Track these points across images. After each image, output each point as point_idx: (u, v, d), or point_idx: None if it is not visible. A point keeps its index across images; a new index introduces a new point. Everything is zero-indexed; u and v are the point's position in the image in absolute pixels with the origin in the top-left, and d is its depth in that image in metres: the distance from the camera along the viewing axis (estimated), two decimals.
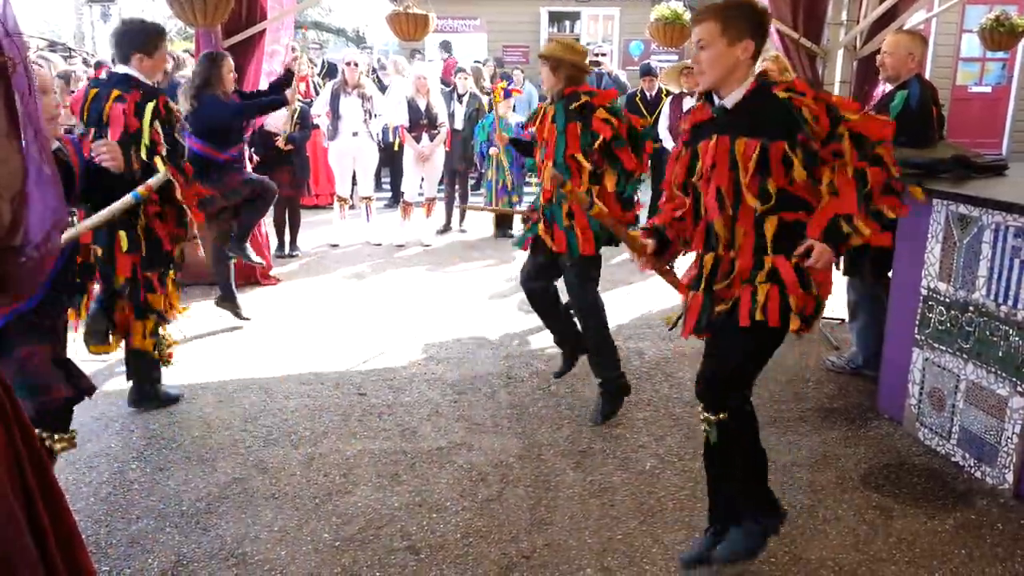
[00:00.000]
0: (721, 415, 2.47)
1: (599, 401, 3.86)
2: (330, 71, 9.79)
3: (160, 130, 3.79)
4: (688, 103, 6.90)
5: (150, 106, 3.75)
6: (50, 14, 21.96)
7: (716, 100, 2.45)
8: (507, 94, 7.54)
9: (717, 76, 2.37)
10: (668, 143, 7.43)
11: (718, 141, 2.40)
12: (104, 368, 4.44)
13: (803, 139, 2.31)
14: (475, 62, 10.52)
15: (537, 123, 3.81)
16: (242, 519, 3.00)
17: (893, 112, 3.86)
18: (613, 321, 5.35)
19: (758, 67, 2.49)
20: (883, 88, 4.57)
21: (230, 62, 4.92)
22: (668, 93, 7.62)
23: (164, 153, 3.78)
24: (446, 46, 12.70)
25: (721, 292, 2.50)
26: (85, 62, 8.87)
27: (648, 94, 8.06)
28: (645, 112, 7.88)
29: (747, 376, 2.53)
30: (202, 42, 5.50)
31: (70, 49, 12.45)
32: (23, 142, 1.53)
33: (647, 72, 8.15)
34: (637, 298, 5.94)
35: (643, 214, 6.33)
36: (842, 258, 4.25)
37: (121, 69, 3.83)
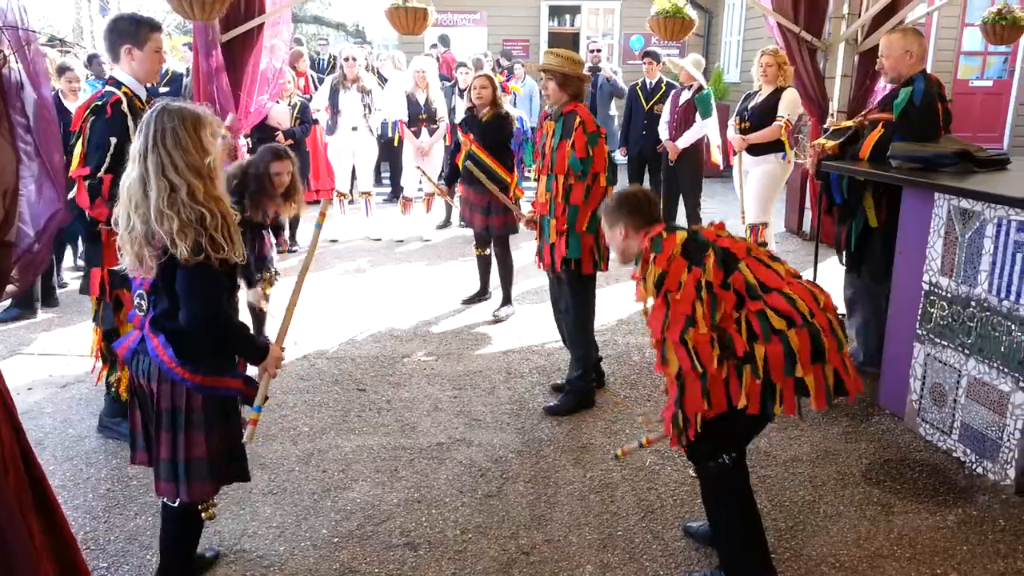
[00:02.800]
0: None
1: (563, 396, 3.95)
2: (333, 66, 9.75)
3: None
4: (684, 96, 6.77)
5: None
6: (47, 9, 21.87)
7: None
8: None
9: None
10: (665, 137, 7.29)
11: None
12: None
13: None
14: (480, 55, 10.46)
15: (540, 136, 4.04)
16: (241, 515, 2.99)
17: (897, 109, 3.85)
18: (612, 316, 5.36)
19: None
20: (886, 85, 4.55)
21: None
22: (668, 85, 7.37)
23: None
24: (444, 40, 12.65)
25: None
26: (92, 58, 8.63)
27: (648, 82, 7.57)
28: (644, 102, 7.62)
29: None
30: (200, 36, 5.47)
31: (63, 41, 12.34)
32: (16, 136, 1.51)
33: (647, 55, 7.62)
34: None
35: None
36: (843, 252, 4.24)
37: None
